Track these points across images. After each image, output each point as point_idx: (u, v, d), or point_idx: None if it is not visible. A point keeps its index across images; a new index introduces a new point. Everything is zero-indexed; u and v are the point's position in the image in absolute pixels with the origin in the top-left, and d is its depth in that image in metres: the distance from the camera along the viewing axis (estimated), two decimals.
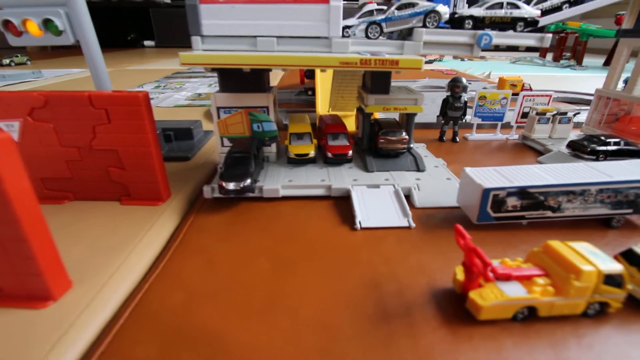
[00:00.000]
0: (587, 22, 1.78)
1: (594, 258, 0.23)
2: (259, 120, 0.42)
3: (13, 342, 0.22)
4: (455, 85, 0.55)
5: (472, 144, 0.59)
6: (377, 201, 0.37)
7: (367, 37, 0.38)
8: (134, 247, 0.31)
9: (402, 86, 0.46)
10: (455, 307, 0.24)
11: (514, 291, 0.23)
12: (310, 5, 0.34)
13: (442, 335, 0.22)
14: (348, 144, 0.44)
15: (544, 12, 0.43)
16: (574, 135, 0.57)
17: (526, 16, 0.37)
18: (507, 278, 0.23)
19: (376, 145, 0.44)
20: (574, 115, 0.55)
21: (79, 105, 0.34)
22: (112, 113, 0.34)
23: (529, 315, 0.23)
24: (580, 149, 0.47)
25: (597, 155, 0.46)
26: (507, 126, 0.61)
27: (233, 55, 0.32)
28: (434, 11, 0.36)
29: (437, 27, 0.37)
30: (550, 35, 0.36)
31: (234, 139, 0.43)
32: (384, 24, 0.37)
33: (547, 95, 0.58)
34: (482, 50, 0.38)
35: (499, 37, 0.37)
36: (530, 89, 0.86)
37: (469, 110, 0.58)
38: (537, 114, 0.55)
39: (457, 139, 0.59)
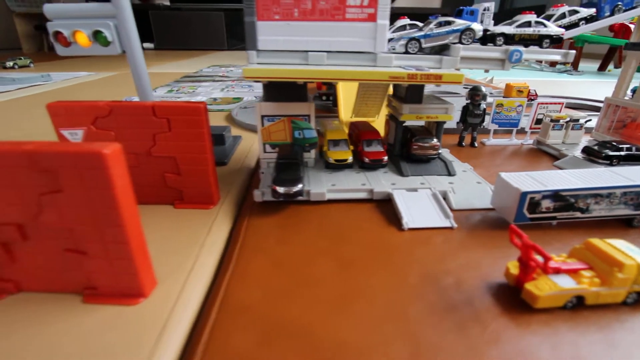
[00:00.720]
0: None
1: (632, 253, 0.26)
2: (300, 127, 0.45)
3: (119, 334, 0.24)
4: (476, 94, 0.58)
5: (490, 148, 0.62)
6: (417, 203, 0.40)
7: (407, 52, 0.41)
8: (200, 248, 0.34)
9: (432, 95, 0.49)
10: (511, 298, 0.27)
11: (565, 283, 0.26)
12: (359, 24, 0.37)
13: (504, 322, 0.25)
14: (383, 150, 0.47)
15: (563, 28, 0.46)
16: (585, 140, 0.61)
17: (552, 34, 0.40)
18: (558, 271, 0.26)
19: (409, 151, 0.47)
20: (586, 122, 0.59)
21: (142, 115, 0.36)
22: (173, 122, 0.37)
23: (577, 304, 0.26)
24: (595, 154, 0.51)
25: (611, 160, 0.50)
26: (521, 132, 0.65)
27: (292, 70, 0.34)
28: (469, 29, 0.39)
29: (471, 43, 0.40)
30: (574, 52, 0.40)
31: (278, 145, 0.46)
32: (423, 40, 0.40)
33: (559, 103, 0.62)
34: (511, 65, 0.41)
35: (528, 53, 0.40)
36: (536, 95, 0.90)
37: (485, 117, 0.62)
38: (552, 120, 0.59)
39: (476, 144, 0.63)
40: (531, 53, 0.40)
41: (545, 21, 0.40)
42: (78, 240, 0.25)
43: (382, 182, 0.44)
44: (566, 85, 1.40)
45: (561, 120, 0.59)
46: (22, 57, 1.73)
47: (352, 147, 0.48)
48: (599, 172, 0.38)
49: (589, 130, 0.66)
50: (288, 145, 0.45)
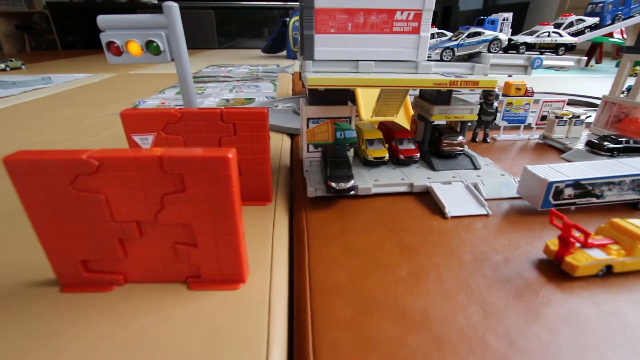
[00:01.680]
0: None
1: None
2: (342, 128, 0.49)
3: (233, 313, 0.28)
4: (489, 94, 0.64)
5: (501, 143, 0.68)
6: (454, 194, 0.45)
7: (442, 59, 0.45)
8: (272, 239, 0.38)
9: (456, 97, 0.54)
10: (552, 270, 0.32)
11: (597, 255, 0.31)
12: (404, 36, 0.41)
13: (551, 289, 0.30)
14: (415, 147, 0.52)
15: (572, 36, 0.52)
16: (585, 134, 0.67)
17: (567, 42, 0.46)
18: (590, 246, 0.32)
19: (438, 148, 0.52)
20: (586, 118, 0.65)
21: (210, 120, 0.40)
22: (238, 126, 0.40)
23: (606, 272, 0.32)
24: (598, 147, 0.57)
25: (612, 152, 0.56)
26: (526, 127, 0.71)
27: (350, 79, 0.38)
28: (497, 39, 0.44)
29: (498, 51, 0.45)
30: (585, 58, 0.46)
31: (321, 145, 0.50)
32: (456, 49, 0.45)
33: (561, 101, 0.69)
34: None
35: (546, 60, 0.45)
36: (533, 92, 0.97)
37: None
38: (557, 117, 0.65)
39: (488, 140, 0.68)
40: (549, 59, 0.45)
41: (561, 31, 0.46)
42: (190, 234, 0.28)
43: (419, 176, 0.48)
44: (554, 80, 1.49)
45: (565, 117, 0.65)
46: (13, 59, 1.69)
47: (387, 145, 0.52)
48: (609, 163, 0.44)
49: (587, 125, 0.73)
50: (330, 145, 0.50)
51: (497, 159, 0.59)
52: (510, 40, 0.45)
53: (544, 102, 0.68)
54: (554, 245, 0.33)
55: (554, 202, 0.42)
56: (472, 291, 0.30)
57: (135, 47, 0.47)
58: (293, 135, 0.74)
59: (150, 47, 0.47)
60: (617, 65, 1.92)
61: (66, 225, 0.27)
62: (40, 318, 0.27)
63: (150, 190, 0.26)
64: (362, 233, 0.38)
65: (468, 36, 0.44)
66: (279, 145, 0.67)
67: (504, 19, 0.50)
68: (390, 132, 0.54)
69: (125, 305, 0.29)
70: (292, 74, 1.60)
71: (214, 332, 0.26)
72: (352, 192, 0.43)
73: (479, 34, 0.44)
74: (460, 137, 0.52)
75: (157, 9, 3.10)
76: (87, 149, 0.25)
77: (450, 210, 0.42)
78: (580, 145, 0.62)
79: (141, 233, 0.28)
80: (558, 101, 0.68)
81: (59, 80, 1.35)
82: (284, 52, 2.44)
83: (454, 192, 0.45)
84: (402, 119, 0.77)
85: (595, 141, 0.58)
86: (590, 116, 0.67)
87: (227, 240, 0.28)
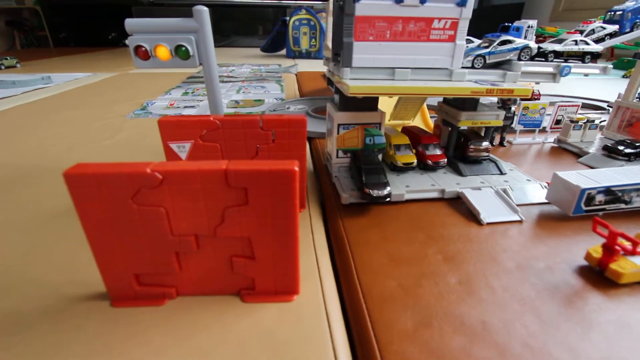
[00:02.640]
0: (562, 28, 1.98)
1: None
2: (372, 134, 0.49)
3: (293, 325, 0.28)
4: (508, 99, 0.64)
5: (517, 147, 0.69)
6: (486, 200, 0.45)
7: (473, 66, 0.46)
8: (314, 248, 0.38)
9: (482, 103, 0.55)
10: (596, 277, 0.33)
11: None
12: (440, 44, 0.41)
13: (599, 296, 0.31)
14: (442, 153, 0.52)
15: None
16: (598, 138, 0.69)
17: (593, 50, 0.47)
18: (633, 253, 0.33)
19: (463, 153, 0.53)
20: (600, 122, 0.67)
21: (249, 128, 0.39)
22: (277, 134, 0.40)
23: None
24: (615, 152, 0.59)
25: (629, 157, 0.57)
26: (541, 130, 0.72)
27: (390, 87, 0.38)
28: (527, 47, 0.45)
29: (528, 59, 0.46)
30: (611, 66, 0.46)
31: (352, 151, 0.50)
32: (487, 56, 0.45)
33: (575, 105, 0.70)
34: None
35: (574, 68, 0.46)
36: (539, 95, 0.99)
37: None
38: (572, 121, 0.66)
39: (505, 144, 0.69)
40: (576, 67, 0.46)
41: (588, 39, 0.46)
42: (248, 246, 0.28)
43: (448, 182, 0.49)
44: (560, 82, 1.51)
45: (580, 122, 0.66)
46: (8, 57, 1.64)
47: (414, 151, 0.52)
48: (635, 169, 0.45)
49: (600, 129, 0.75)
50: (360, 151, 0.50)
51: (517, 163, 0.60)
52: (539, 48, 0.46)
53: (559, 106, 0.69)
54: (596, 252, 0.34)
55: (585, 208, 0.42)
56: (524, 300, 0.30)
57: (164, 52, 0.46)
58: (310, 138, 0.74)
59: (179, 51, 0.46)
60: (614, 67, 1.96)
61: (122, 239, 0.27)
62: (94, 334, 0.27)
63: (212, 204, 0.26)
64: (403, 241, 0.39)
65: (499, 44, 0.45)
66: None
67: (528, 27, 0.51)
68: (416, 137, 0.54)
69: (181, 319, 0.28)
70: (296, 74, 1.60)
71: (278, 346, 0.26)
72: (388, 199, 0.43)
73: (509, 41, 0.45)
74: (486, 143, 0.53)
75: (153, 6, 3.05)
76: (149, 162, 0.25)
77: (485, 217, 0.42)
78: (594, 149, 0.64)
79: (198, 246, 0.28)
80: (572, 105, 0.69)
81: (59, 80, 1.32)
82: (283, 51, 2.42)
83: (485, 198, 0.46)
84: (419, 122, 0.77)
85: (613, 146, 0.60)
86: (604, 120, 0.69)
87: (285, 253, 0.28)
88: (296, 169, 0.25)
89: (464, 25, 0.41)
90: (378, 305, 0.30)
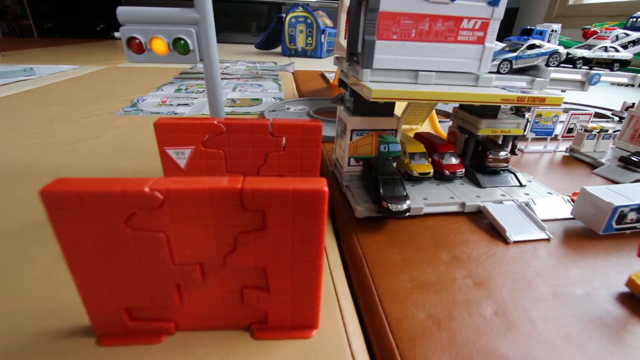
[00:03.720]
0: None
1: None
2: (387, 141, 0.46)
3: None
4: (522, 106, 0.62)
5: (529, 156, 0.67)
6: (509, 216, 0.42)
7: (499, 71, 0.42)
8: (330, 270, 0.34)
9: (502, 111, 0.52)
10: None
11: None
12: (468, 46, 0.38)
13: None
14: (459, 162, 0.49)
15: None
16: (610, 148, 0.67)
17: (622, 58, 0.44)
18: None
19: (482, 163, 0.50)
20: (614, 132, 0.65)
21: (258, 133, 0.35)
22: (288, 141, 0.36)
23: None
24: (632, 163, 0.57)
25: None
26: (552, 138, 0.70)
27: (418, 92, 0.35)
28: (556, 52, 0.42)
29: (557, 65, 0.43)
30: None
31: (365, 159, 0.46)
32: (514, 61, 0.42)
33: (588, 114, 0.68)
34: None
35: (604, 76, 0.43)
36: None
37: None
38: (586, 130, 0.64)
39: (517, 152, 0.67)
40: (606, 76, 0.43)
41: (617, 46, 0.44)
42: (263, 276, 0.24)
43: (468, 194, 0.46)
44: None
45: (594, 131, 0.64)
46: None
47: (430, 160, 0.49)
48: None
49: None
50: (373, 159, 0.46)
51: (531, 174, 0.57)
52: (568, 54, 0.43)
53: (572, 114, 0.67)
54: (638, 278, 0.31)
55: (616, 227, 0.40)
56: (570, 335, 0.27)
57: (160, 45, 0.41)
58: None
59: (177, 45, 0.41)
60: None
61: (112, 268, 0.22)
62: None
63: (222, 229, 0.22)
64: (427, 261, 0.35)
65: (527, 48, 0.42)
66: None
67: (552, 30, 0.48)
68: (431, 144, 0.51)
69: (189, 358, 0.24)
70: (293, 73, 1.55)
71: None
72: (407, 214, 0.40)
73: (537, 46, 0.42)
74: (506, 152, 0.50)
75: None
76: (148, 178, 0.20)
77: (511, 235, 0.39)
78: (608, 159, 0.62)
79: (204, 276, 0.24)
80: (585, 114, 0.67)
81: (42, 72, 1.24)
82: (279, 49, 2.37)
83: (509, 212, 0.43)
84: (427, 128, 0.74)
85: (630, 157, 0.57)
86: (617, 130, 0.67)
87: (306, 284, 0.24)
88: (326, 189, 0.21)
89: (494, 27, 0.37)
90: (408, 343, 0.26)
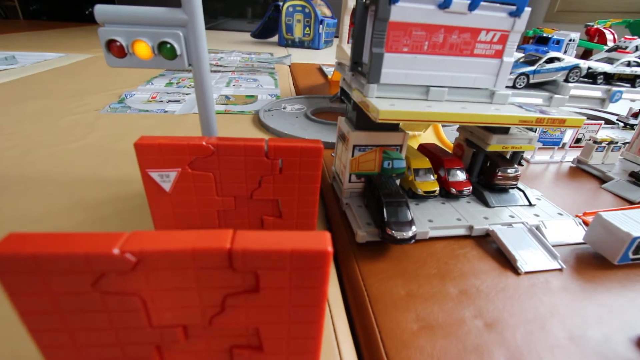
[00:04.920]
0: (559, 30, 1.95)
1: None
2: (391, 158, 0.42)
3: None
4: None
5: (535, 166, 0.64)
6: (519, 242, 0.40)
7: (514, 86, 0.39)
8: (329, 306, 0.31)
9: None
10: None
11: None
12: (485, 60, 0.34)
13: None
14: (467, 180, 0.46)
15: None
16: (618, 160, 0.65)
17: None
18: None
19: (490, 180, 0.47)
20: (624, 144, 0.62)
21: (251, 156, 0.32)
22: (285, 163, 0.32)
23: None
24: None
25: None
26: (559, 147, 0.67)
27: (430, 113, 0.31)
28: (577, 67, 0.39)
29: (577, 81, 0.39)
30: None
31: (367, 175, 0.43)
32: (531, 75, 0.39)
33: (597, 124, 0.65)
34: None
35: (625, 93, 0.40)
36: None
37: None
38: (595, 142, 0.61)
39: (523, 163, 0.64)
40: (628, 92, 0.41)
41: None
42: (256, 336, 0.21)
43: (476, 215, 0.43)
44: None
45: (603, 143, 0.61)
46: None
47: (436, 176, 0.46)
48: None
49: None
50: (376, 176, 0.43)
51: (538, 188, 0.54)
52: (588, 68, 0.40)
53: None
54: None
55: (632, 257, 0.37)
56: None
57: (144, 49, 0.37)
58: None
59: (163, 49, 0.37)
60: None
61: (82, 333, 0.19)
62: None
63: (208, 291, 0.19)
64: (434, 296, 0.32)
65: (547, 61, 0.39)
66: None
67: (570, 40, 0.44)
68: (437, 159, 0.48)
69: None
70: (290, 66, 1.50)
71: None
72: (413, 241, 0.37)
73: (557, 59, 0.39)
74: (515, 170, 0.47)
75: None
76: (119, 235, 0.17)
77: (522, 265, 0.36)
78: (615, 172, 0.59)
79: (187, 336, 0.21)
80: (595, 124, 0.65)
81: (25, 61, 1.17)
82: (275, 38, 2.30)
83: (518, 237, 0.40)
84: (430, 134, 0.71)
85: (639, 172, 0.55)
86: (627, 142, 0.65)
87: (304, 345, 0.21)
88: (330, 249, 0.18)
89: (514, 40, 0.34)
90: None
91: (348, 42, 0.46)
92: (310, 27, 2.06)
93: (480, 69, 0.35)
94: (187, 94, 0.93)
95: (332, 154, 0.53)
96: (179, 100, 0.87)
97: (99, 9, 0.36)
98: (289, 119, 0.77)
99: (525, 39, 1.82)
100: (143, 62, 0.38)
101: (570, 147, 0.66)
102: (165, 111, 0.79)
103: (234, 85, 1.08)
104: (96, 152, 0.57)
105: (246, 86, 1.07)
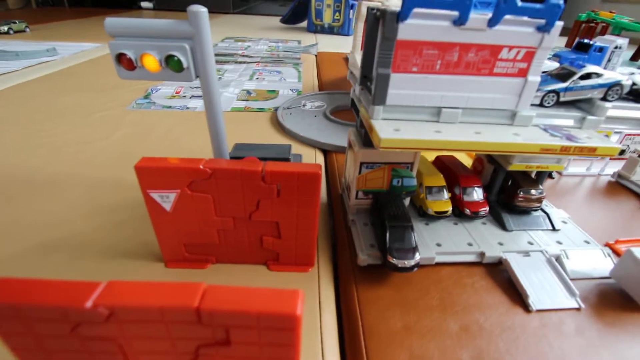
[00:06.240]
0: (619, 14, 1.74)
1: None
2: (400, 175, 0.41)
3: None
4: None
5: (567, 179, 0.59)
6: (535, 273, 0.37)
7: (542, 104, 0.35)
8: (320, 335, 0.31)
9: None
10: None
11: None
12: (506, 79, 0.31)
13: None
14: (484, 199, 0.43)
15: None
16: None
17: None
18: None
19: (511, 201, 0.43)
20: None
21: (248, 180, 0.31)
22: (283, 188, 0.32)
23: None
24: None
25: None
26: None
27: (439, 141, 0.29)
28: (618, 84, 0.34)
29: (616, 100, 0.35)
30: None
31: (375, 192, 0.41)
32: (562, 93, 0.35)
33: None
34: None
35: None
36: None
37: None
38: None
39: (554, 175, 0.59)
40: None
41: None
42: None
43: (489, 240, 0.40)
44: None
45: None
46: (17, 21, 1.56)
47: (450, 194, 0.43)
48: None
49: None
50: (384, 194, 0.41)
51: (568, 206, 0.50)
52: (634, 84, 0.35)
53: (625, 135, 0.57)
54: None
55: None
56: None
57: (152, 62, 0.37)
58: (326, 151, 0.65)
59: (170, 62, 0.37)
60: None
61: None
62: None
63: (181, 341, 0.19)
64: (431, 332, 0.31)
65: (581, 77, 0.34)
66: None
67: (616, 47, 0.39)
68: (452, 175, 0.45)
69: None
70: (316, 56, 1.47)
71: None
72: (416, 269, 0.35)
73: (595, 74, 0.34)
74: (539, 191, 0.43)
75: None
76: (95, 285, 0.18)
77: (534, 302, 0.34)
78: None
79: None
80: None
81: (64, 52, 1.24)
82: (304, 24, 2.25)
83: (535, 269, 0.37)
84: None
85: None
86: None
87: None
88: (299, 312, 0.17)
89: (542, 57, 0.30)
90: None
91: (362, 49, 0.44)
92: (340, 12, 1.99)
93: (500, 89, 0.32)
94: None
95: (345, 164, 0.52)
96: (201, 96, 0.89)
97: (109, 22, 0.36)
98: (307, 118, 0.76)
99: (575, 26, 1.65)
100: (152, 75, 0.38)
101: (610, 159, 0.60)
102: (187, 107, 0.81)
103: (257, 78, 1.07)
104: (120, 150, 0.59)
105: (269, 79, 1.07)
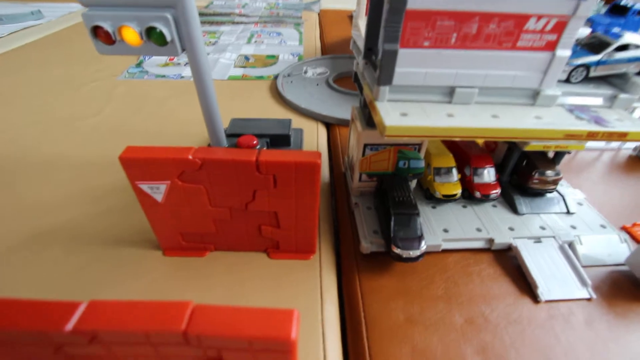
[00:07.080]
0: None
1: None
2: (407, 157, 0.38)
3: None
4: None
5: (585, 154, 0.55)
6: (545, 261, 0.35)
7: (568, 80, 0.31)
8: (321, 327, 0.30)
9: None
10: None
11: None
12: (530, 53, 0.27)
13: None
14: (496, 181, 0.41)
15: None
16: None
17: None
18: None
19: (525, 183, 0.41)
20: None
21: (242, 170, 0.29)
22: (279, 179, 0.29)
23: None
24: None
25: None
26: None
27: (450, 128, 0.26)
28: None
29: None
30: None
31: (380, 175, 0.39)
32: (593, 67, 0.30)
33: None
34: None
35: None
36: None
37: None
38: None
39: (570, 150, 0.55)
40: None
41: None
42: None
43: (499, 225, 0.38)
44: None
45: None
46: None
47: (459, 176, 0.41)
48: None
49: None
50: (389, 177, 0.39)
51: (583, 184, 0.47)
52: None
53: None
54: None
55: None
56: None
57: (132, 35, 0.34)
58: (329, 124, 0.62)
59: (152, 34, 0.33)
60: None
61: None
62: None
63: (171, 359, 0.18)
64: (435, 324, 0.30)
65: (617, 49, 0.30)
66: (313, 140, 0.56)
67: None
68: (463, 155, 0.42)
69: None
70: (319, 14, 1.36)
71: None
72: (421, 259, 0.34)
73: (635, 46, 0.30)
74: (556, 172, 0.40)
75: None
76: (76, 303, 0.16)
77: (543, 292, 0.33)
78: None
79: None
80: None
81: (51, 14, 1.16)
82: None
83: (546, 256, 0.36)
84: None
85: None
86: None
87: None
88: (293, 336, 0.16)
89: (575, 27, 0.26)
90: None
91: (366, 14, 0.39)
92: None
93: (523, 65, 0.28)
94: (207, 54, 0.88)
95: (348, 140, 0.49)
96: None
97: None
98: (308, 87, 0.71)
99: None
100: (134, 49, 0.35)
101: None
102: (182, 76, 0.76)
103: (256, 41, 1.00)
104: (109, 130, 0.57)
105: (268, 42, 1.00)
